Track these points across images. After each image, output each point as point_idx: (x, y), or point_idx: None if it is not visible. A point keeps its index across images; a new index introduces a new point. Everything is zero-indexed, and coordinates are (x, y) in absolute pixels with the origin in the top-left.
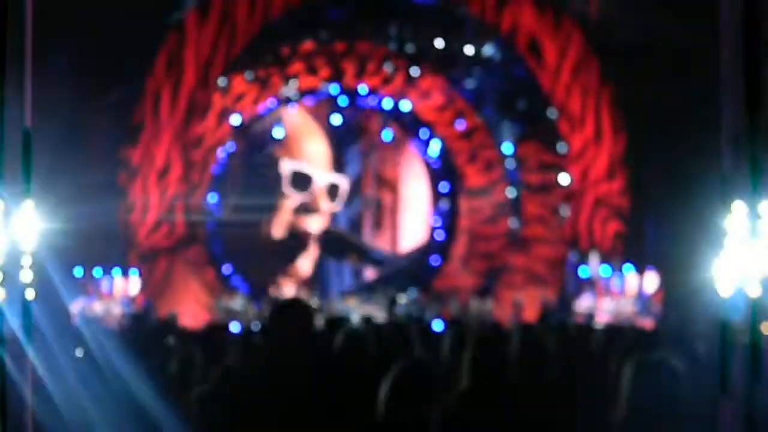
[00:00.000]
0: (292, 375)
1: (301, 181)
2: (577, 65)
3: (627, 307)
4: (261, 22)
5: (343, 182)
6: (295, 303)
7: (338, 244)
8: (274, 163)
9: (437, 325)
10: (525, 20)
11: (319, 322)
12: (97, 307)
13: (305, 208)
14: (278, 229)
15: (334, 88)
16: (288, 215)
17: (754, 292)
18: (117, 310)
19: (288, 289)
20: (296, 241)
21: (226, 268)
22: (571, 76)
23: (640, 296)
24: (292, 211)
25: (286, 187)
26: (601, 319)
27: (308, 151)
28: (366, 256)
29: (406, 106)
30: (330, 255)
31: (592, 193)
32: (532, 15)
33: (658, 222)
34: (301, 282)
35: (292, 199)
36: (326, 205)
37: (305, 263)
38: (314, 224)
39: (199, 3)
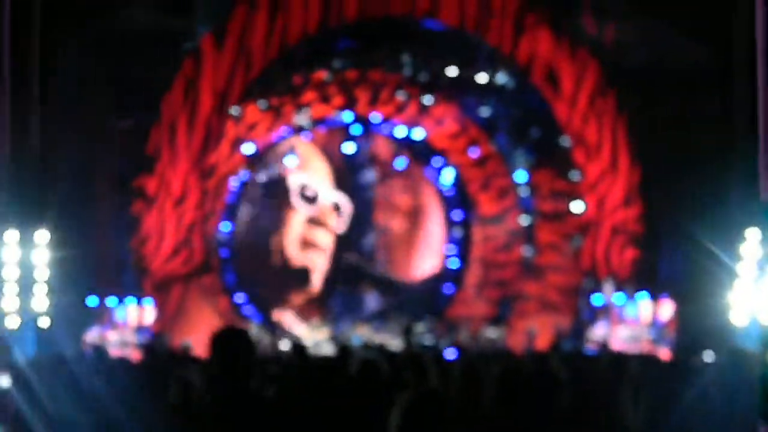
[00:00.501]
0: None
1: (309, 194)
2: (592, 93)
3: (641, 335)
4: (277, 50)
5: (346, 203)
6: (231, 332)
7: (353, 273)
8: (282, 178)
9: (450, 354)
10: (541, 48)
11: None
12: (111, 336)
13: (314, 221)
14: (291, 244)
15: (347, 116)
16: (299, 228)
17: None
18: (131, 339)
19: (296, 318)
20: (307, 270)
21: (239, 297)
22: (587, 104)
23: (655, 324)
24: (303, 224)
25: (295, 200)
26: (615, 348)
27: (313, 168)
28: (380, 284)
29: (419, 134)
30: (345, 284)
31: (607, 221)
32: (548, 43)
33: (673, 250)
34: (314, 309)
35: (300, 212)
36: (333, 221)
37: (317, 290)
38: (324, 239)
39: (215, 30)
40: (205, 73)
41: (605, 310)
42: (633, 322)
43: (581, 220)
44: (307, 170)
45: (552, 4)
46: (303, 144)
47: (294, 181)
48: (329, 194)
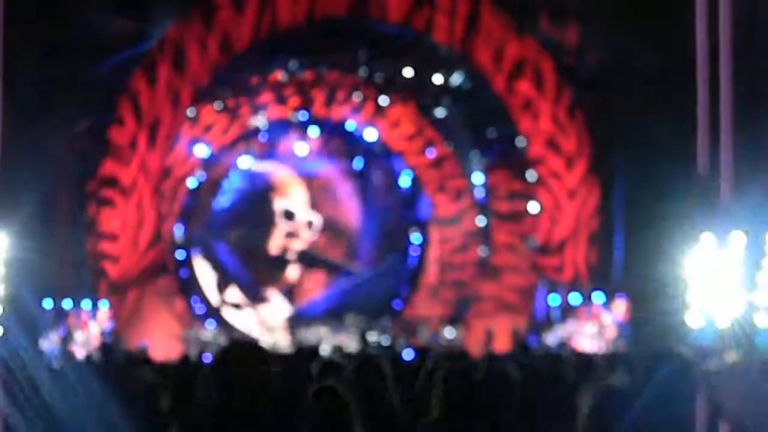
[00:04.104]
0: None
1: (288, 215)
2: (547, 91)
3: (596, 335)
4: (229, 52)
5: (318, 219)
6: (245, 345)
7: (310, 259)
8: (269, 203)
9: (407, 354)
10: (492, 48)
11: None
12: (67, 338)
13: (291, 234)
14: (274, 247)
15: (303, 117)
16: (280, 238)
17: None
18: (86, 341)
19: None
20: (276, 260)
21: (194, 300)
22: (542, 102)
23: (610, 324)
24: (283, 236)
25: (279, 218)
26: (571, 348)
27: (292, 194)
28: (335, 269)
29: (375, 134)
30: (305, 266)
31: (562, 221)
32: (501, 42)
33: (629, 250)
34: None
35: (281, 228)
36: (306, 234)
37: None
38: (297, 245)
39: (167, 36)
40: (158, 76)
41: (561, 311)
42: (588, 322)
43: (536, 220)
44: (288, 195)
45: (509, 4)
46: (284, 173)
47: (278, 205)
48: (304, 214)
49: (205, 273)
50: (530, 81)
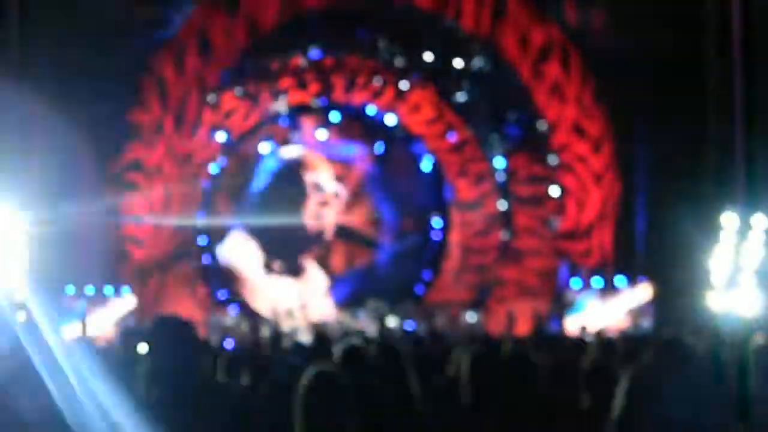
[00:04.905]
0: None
1: (318, 187)
2: (569, 76)
3: (619, 318)
4: (253, 36)
5: (342, 191)
6: (171, 320)
7: (345, 233)
8: (300, 178)
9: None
10: (518, 34)
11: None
12: (90, 323)
13: (323, 203)
14: (309, 215)
15: (323, 102)
16: (314, 207)
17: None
18: (109, 327)
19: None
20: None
21: (216, 286)
22: (564, 87)
23: (633, 307)
24: (316, 204)
25: (310, 190)
26: (593, 331)
27: (319, 169)
28: (367, 243)
29: (396, 119)
30: (339, 239)
31: (584, 205)
32: (527, 29)
33: (651, 233)
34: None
35: (313, 198)
36: (335, 203)
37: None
38: (329, 213)
39: (190, 18)
40: (180, 61)
41: (583, 294)
42: (611, 305)
43: (558, 203)
44: (316, 170)
45: None
46: (312, 155)
47: (308, 179)
48: (331, 186)
49: (247, 248)
50: (558, 66)
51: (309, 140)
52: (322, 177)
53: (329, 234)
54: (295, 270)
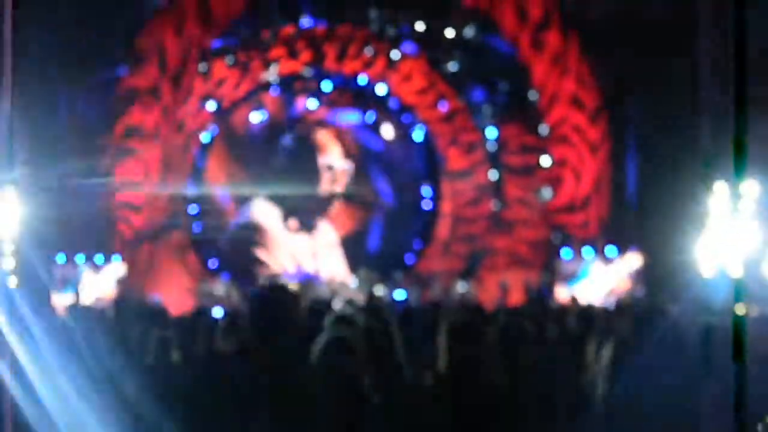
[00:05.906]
0: (275, 358)
1: (330, 168)
2: (558, 43)
3: (610, 288)
4: (241, 6)
5: (350, 166)
6: (277, 288)
7: (350, 196)
8: (315, 162)
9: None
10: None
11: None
12: (80, 293)
13: (334, 181)
14: (324, 187)
15: (314, 71)
16: (327, 184)
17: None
18: (100, 296)
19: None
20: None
21: (208, 254)
22: (553, 56)
23: (623, 277)
24: (328, 182)
25: (324, 172)
26: (583, 301)
27: (330, 151)
28: (369, 205)
29: (387, 89)
30: (345, 201)
31: (574, 175)
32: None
33: (641, 203)
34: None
35: (325, 177)
36: (343, 179)
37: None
38: (338, 187)
39: None
40: (171, 30)
41: (574, 264)
42: (602, 275)
43: (548, 174)
44: (328, 152)
45: None
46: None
47: (322, 162)
48: (341, 164)
49: (267, 210)
50: (556, 36)
51: (307, 109)
52: (333, 157)
53: (337, 196)
54: (310, 226)
